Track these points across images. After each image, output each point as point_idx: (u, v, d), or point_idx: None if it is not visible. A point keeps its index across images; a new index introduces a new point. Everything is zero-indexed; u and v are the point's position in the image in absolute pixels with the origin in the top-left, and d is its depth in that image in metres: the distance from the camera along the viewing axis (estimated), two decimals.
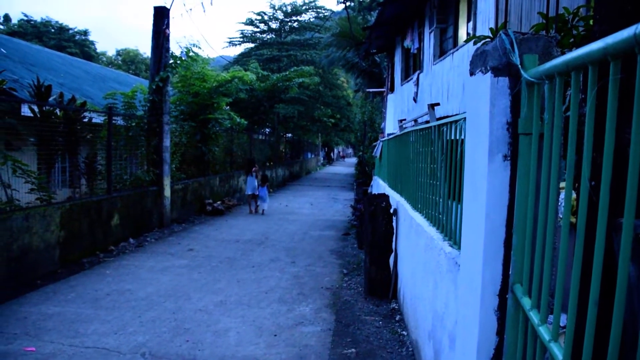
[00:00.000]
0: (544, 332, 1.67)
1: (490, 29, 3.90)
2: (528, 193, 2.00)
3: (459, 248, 3.17)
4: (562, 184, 1.66)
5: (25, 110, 9.13)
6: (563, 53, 1.99)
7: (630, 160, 1.12)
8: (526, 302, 1.93)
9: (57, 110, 9.28)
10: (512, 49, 2.10)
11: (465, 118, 2.84)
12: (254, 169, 16.20)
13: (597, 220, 1.29)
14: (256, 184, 16.26)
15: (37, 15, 50.36)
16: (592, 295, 1.29)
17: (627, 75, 1.23)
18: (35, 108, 8.87)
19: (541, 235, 1.83)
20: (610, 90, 1.21)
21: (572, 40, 3.17)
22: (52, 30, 53.42)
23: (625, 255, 1.15)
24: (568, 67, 1.49)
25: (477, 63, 2.36)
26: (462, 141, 3.02)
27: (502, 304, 2.24)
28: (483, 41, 2.45)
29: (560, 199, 2.07)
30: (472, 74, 2.45)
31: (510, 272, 2.19)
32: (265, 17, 37.49)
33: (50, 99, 9.69)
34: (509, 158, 2.20)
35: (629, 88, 1.19)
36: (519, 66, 2.04)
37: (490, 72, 2.20)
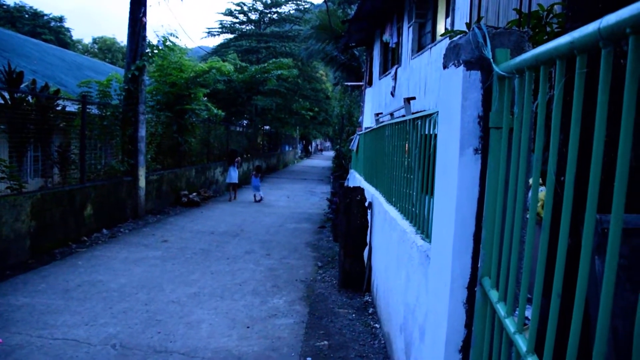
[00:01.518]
0: (510, 324, 1.68)
1: (466, 23, 3.93)
2: (498, 187, 2.01)
3: (431, 241, 3.19)
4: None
5: None
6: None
7: (593, 153, 1.13)
8: (493, 294, 1.95)
9: (30, 98, 9.09)
10: (485, 42, 2.10)
11: (438, 112, 2.85)
12: (236, 159, 16.64)
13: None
14: (236, 174, 17.09)
15: (10, 0, 48.95)
16: (555, 287, 1.30)
17: (593, 70, 1.24)
18: (6, 95, 8.66)
19: (509, 228, 1.84)
20: (577, 84, 1.22)
21: (545, 37, 3.20)
22: (26, 15, 52.17)
23: (586, 248, 1.16)
24: (537, 61, 1.49)
25: (451, 56, 2.36)
26: (436, 135, 3.03)
27: (470, 297, 2.26)
28: (459, 36, 2.46)
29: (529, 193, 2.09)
30: (445, 67, 2.46)
31: (479, 265, 2.21)
32: (245, 8, 37.19)
33: (22, 85, 9.48)
34: (479, 152, 2.20)
35: (595, 82, 1.19)
36: (491, 60, 2.05)
37: (462, 65, 2.20)
